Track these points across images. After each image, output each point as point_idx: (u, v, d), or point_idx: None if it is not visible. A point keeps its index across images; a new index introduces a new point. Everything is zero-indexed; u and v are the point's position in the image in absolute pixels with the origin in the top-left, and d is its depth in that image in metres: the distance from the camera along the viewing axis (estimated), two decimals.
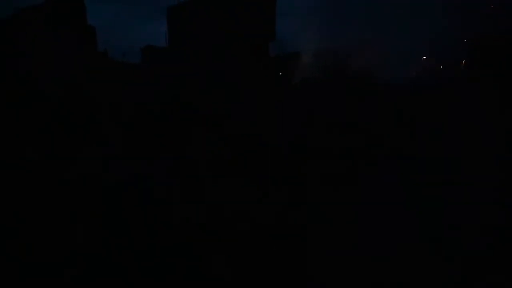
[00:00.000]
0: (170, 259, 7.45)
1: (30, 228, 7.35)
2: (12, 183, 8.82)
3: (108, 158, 11.65)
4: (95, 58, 45.20)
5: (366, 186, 10.07)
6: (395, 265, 6.94)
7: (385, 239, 7.78)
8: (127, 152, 12.63)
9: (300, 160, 11.92)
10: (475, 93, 18.10)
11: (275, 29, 42.09)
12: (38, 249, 7.03)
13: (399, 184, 9.88)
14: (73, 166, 10.25)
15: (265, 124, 15.99)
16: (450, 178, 10.21)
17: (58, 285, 6.71)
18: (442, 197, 9.15)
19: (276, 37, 40.75)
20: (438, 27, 26.76)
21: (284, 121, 16.42)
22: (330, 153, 12.32)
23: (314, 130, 15.11)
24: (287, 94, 25.48)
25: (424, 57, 29.80)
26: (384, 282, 6.63)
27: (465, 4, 26.44)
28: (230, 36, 43.34)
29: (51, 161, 10.48)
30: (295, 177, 10.57)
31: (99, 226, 7.90)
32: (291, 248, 7.70)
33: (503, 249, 7.13)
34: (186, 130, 15.51)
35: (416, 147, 12.80)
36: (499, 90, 18.02)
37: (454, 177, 10.19)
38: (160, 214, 8.63)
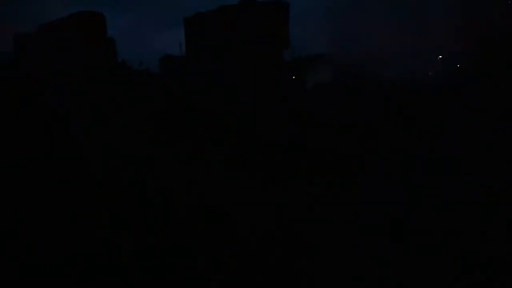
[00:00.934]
0: (170, 259, 7.50)
1: (30, 228, 7.54)
2: (11, 183, 9.10)
3: (109, 157, 11.90)
4: (115, 68, 46.45)
5: (367, 186, 9.95)
6: (395, 266, 6.81)
7: (385, 239, 7.65)
8: (127, 151, 12.88)
9: (302, 160, 11.88)
10: (489, 93, 17.64)
11: (289, 37, 42.37)
12: (38, 249, 7.19)
13: (401, 184, 9.72)
14: (73, 166, 10.52)
15: (273, 126, 16.06)
16: (452, 178, 9.98)
17: (58, 285, 6.82)
18: (443, 197, 8.95)
19: (290, 43, 40.98)
20: (453, 25, 26.30)
21: (290, 123, 16.44)
22: (334, 153, 12.24)
23: (322, 131, 15.04)
24: (298, 98, 25.51)
25: (440, 56, 29.24)
26: (385, 282, 6.52)
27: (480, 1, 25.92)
28: (245, 45, 43.72)
29: (51, 160, 10.76)
30: (296, 176, 10.56)
31: (99, 226, 8.05)
32: (291, 248, 7.65)
33: (504, 249, 6.91)
34: (192, 131, 15.72)
35: (422, 148, 12.58)
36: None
37: (456, 177, 9.97)
38: (160, 214, 8.72)
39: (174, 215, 8.79)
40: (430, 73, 27.73)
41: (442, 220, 8.10)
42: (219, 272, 7.02)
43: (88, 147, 13.96)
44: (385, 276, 6.71)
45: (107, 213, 8.43)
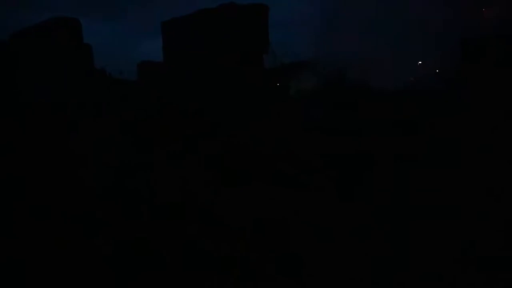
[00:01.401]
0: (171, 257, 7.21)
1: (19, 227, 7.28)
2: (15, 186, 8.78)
3: (113, 160, 11.66)
4: (91, 75, 45.55)
5: (361, 188, 9.91)
6: (396, 267, 6.72)
7: (386, 241, 7.56)
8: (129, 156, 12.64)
9: (289, 163, 11.81)
10: (471, 96, 17.96)
11: (268, 40, 42.32)
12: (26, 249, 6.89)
13: (399, 189, 9.73)
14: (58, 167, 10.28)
15: (259, 134, 15.96)
16: (452, 181, 10.05)
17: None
18: (444, 201, 8.98)
19: (270, 49, 40.94)
20: (432, 30, 26.84)
21: (279, 130, 16.35)
22: (325, 161, 12.19)
23: (309, 139, 14.98)
24: (282, 105, 25.46)
25: (420, 62, 29.80)
26: (385, 282, 6.41)
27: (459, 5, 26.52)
28: (224, 49, 43.49)
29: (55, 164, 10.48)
30: (291, 183, 10.47)
31: (102, 226, 7.82)
32: (292, 248, 7.47)
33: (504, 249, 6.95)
34: (171, 134, 15.54)
35: (414, 152, 12.66)
36: (496, 92, 17.86)
37: (456, 180, 10.05)
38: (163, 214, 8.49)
39: (161, 215, 8.56)
40: (412, 78, 28.24)
41: (442, 219, 8.11)
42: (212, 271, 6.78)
43: (73, 148, 13.67)
44: (384, 276, 6.58)
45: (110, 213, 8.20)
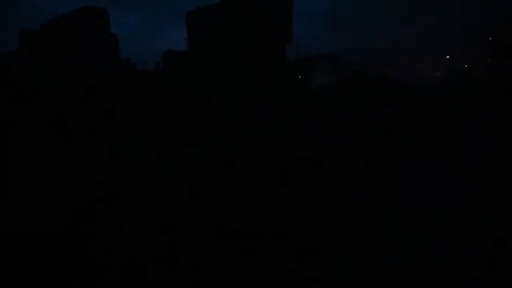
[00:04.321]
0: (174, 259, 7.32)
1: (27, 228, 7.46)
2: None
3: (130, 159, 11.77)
4: (118, 64, 46.30)
5: (372, 186, 9.79)
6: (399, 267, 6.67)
7: (390, 241, 7.49)
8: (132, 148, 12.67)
9: (317, 163, 11.68)
10: (499, 96, 17.26)
11: (292, 32, 41.69)
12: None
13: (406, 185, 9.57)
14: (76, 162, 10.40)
15: (281, 128, 15.81)
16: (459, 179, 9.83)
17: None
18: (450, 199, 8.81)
19: (293, 41, 40.42)
20: (461, 24, 25.94)
21: (301, 127, 16.16)
22: (346, 157, 12.03)
23: (332, 134, 14.77)
24: (304, 99, 25.18)
25: (448, 57, 28.96)
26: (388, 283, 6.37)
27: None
28: (247, 39, 43.22)
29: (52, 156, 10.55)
30: (310, 179, 10.40)
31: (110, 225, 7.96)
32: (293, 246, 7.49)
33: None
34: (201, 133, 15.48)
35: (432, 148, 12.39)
36: None
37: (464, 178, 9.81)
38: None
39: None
40: (437, 73, 27.51)
41: (443, 218, 7.98)
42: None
43: (91, 143, 13.85)
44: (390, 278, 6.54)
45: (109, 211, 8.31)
